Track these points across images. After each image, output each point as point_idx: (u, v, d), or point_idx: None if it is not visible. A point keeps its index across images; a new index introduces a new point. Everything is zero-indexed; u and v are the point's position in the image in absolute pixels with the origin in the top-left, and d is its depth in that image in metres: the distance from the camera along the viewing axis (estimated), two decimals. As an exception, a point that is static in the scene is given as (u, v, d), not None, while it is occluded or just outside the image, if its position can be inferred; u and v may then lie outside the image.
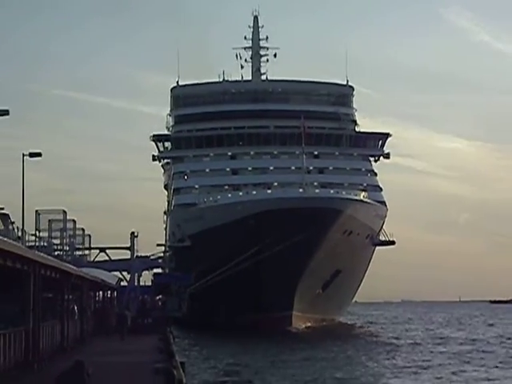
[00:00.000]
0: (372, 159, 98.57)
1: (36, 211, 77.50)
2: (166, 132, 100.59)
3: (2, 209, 73.36)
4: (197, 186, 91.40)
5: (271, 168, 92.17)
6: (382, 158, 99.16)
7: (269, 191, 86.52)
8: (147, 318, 56.55)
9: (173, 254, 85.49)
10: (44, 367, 27.50)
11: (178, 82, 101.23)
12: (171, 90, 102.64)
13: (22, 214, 51.61)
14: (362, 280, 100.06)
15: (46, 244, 77.77)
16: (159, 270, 79.31)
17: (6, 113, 41.81)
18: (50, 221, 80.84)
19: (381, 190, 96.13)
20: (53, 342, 33.79)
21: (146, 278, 73.65)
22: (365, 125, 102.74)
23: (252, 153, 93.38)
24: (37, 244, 75.14)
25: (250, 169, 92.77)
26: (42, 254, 28.90)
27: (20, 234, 66.85)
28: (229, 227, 76.80)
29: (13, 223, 73.99)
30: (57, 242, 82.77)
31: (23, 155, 47.64)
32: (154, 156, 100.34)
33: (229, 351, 57.27)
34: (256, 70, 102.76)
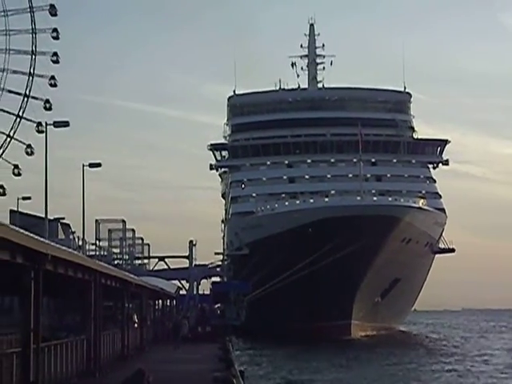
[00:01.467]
0: (430, 166, 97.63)
1: (96, 221, 78.53)
2: (223, 141, 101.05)
3: (63, 218, 74.68)
4: (254, 195, 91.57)
5: (328, 176, 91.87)
6: (440, 164, 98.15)
7: (326, 199, 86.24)
8: (206, 327, 56.70)
9: (231, 263, 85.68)
10: (105, 375, 27.75)
11: (234, 92, 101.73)
12: (228, 99, 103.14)
13: (82, 224, 52.40)
14: (421, 288, 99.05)
15: (105, 253, 78.76)
16: (217, 279, 79.55)
17: (66, 124, 42.65)
18: (109, 230, 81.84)
19: (440, 197, 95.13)
20: (113, 351, 34.08)
21: (205, 287, 73.91)
22: (422, 131, 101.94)
23: (309, 161, 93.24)
24: (97, 253, 76.15)
25: (307, 177, 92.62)
26: (102, 264, 29.20)
27: (81, 243, 67.87)
28: (286, 235, 76.73)
29: (73, 233, 75.24)
30: (116, 250, 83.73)
31: (83, 166, 48.41)
32: (211, 165, 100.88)
33: (288, 359, 57.16)
34: (312, 78, 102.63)
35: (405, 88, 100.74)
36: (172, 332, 49.00)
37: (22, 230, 15.26)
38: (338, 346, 67.04)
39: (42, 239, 17.22)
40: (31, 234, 15.91)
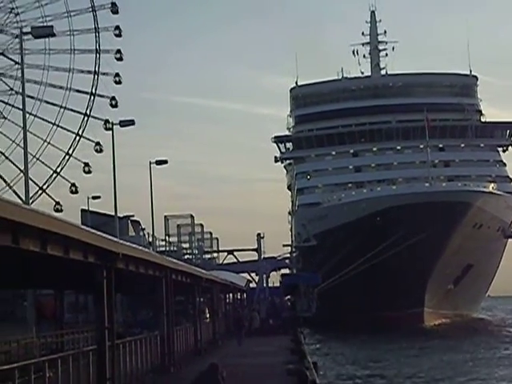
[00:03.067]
0: (500, 149, 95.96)
1: (165, 217, 79.42)
2: (286, 133, 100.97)
3: (133, 216, 75.64)
4: (320, 186, 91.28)
5: (395, 163, 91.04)
6: (510, 147, 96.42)
7: (394, 187, 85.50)
8: (277, 319, 56.79)
9: (299, 254, 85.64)
10: (179, 370, 27.98)
11: (296, 83, 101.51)
12: (290, 90, 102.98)
13: (151, 220, 52.98)
14: (494, 274, 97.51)
15: (175, 248, 79.55)
16: (287, 271, 79.60)
17: (132, 123, 43.08)
18: (178, 225, 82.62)
19: (511, 180, 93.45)
20: (187, 345, 34.37)
21: (274, 279, 74.06)
22: (490, 114, 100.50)
23: (375, 149, 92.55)
24: (167, 249, 76.98)
25: (373, 165, 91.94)
26: (172, 260, 29.44)
27: (151, 239, 68.68)
28: (354, 225, 76.33)
29: (143, 229, 76.20)
30: (186, 245, 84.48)
31: (150, 163, 48.92)
32: (276, 157, 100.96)
33: (360, 350, 56.90)
34: (375, 65, 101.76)
35: (470, 71, 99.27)
36: (234, 326, 48.80)
37: (93, 231, 15.46)
38: (411, 335, 66.34)
39: (113, 238, 17.44)
40: (103, 234, 16.11)
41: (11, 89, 71.66)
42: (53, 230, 12.83)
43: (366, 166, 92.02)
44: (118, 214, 45.91)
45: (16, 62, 69.61)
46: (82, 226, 15.06)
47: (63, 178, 71.54)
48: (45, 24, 70.15)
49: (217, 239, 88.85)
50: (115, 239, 17.90)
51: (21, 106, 32.94)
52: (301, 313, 60.12)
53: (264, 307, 61.35)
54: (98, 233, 15.86)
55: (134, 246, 20.37)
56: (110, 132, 42.25)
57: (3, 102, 72.15)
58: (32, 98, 68.64)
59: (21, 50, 32.71)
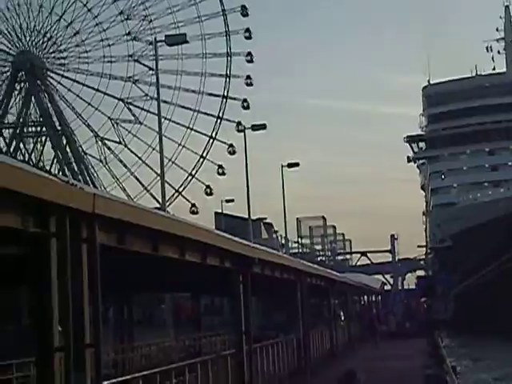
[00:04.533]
0: None
1: (297, 219, 79.78)
2: (419, 132, 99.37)
3: (266, 218, 76.31)
4: (455, 185, 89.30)
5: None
6: None
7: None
8: (413, 322, 55.91)
9: (435, 256, 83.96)
10: (316, 374, 27.89)
11: (429, 81, 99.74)
12: (422, 89, 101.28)
13: (284, 223, 53.17)
14: None
15: (308, 250, 79.70)
16: (422, 273, 78.30)
17: (263, 127, 43.38)
18: (310, 228, 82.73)
19: None
20: (322, 349, 34.26)
21: (410, 281, 72.94)
22: None
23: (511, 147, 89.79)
24: (299, 251, 77.24)
25: (510, 164, 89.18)
26: (307, 263, 29.41)
27: (283, 241, 69.03)
28: (491, 225, 74.12)
29: (276, 232, 76.74)
30: (318, 247, 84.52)
31: (282, 166, 49.10)
32: (408, 157, 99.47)
33: (499, 353, 55.19)
34: (510, 62, 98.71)
35: None
36: (370, 329, 48.22)
37: (229, 236, 15.59)
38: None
39: (249, 244, 17.53)
40: (239, 240, 16.22)
41: (146, 94, 73.60)
42: (191, 237, 13.00)
43: (503, 164, 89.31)
44: (251, 217, 46.26)
45: (150, 68, 71.43)
46: (219, 232, 15.22)
47: (198, 180, 72.85)
48: (177, 30, 71.83)
49: (349, 241, 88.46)
50: (251, 244, 18.00)
51: (156, 111, 33.68)
52: (437, 315, 59.00)
53: (399, 310, 60.51)
54: (234, 238, 15.99)
55: (270, 250, 20.45)
56: (243, 134, 42.64)
57: (139, 107, 74.20)
58: (166, 102, 70.25)
59: (155, 57, 33.44)
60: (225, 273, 17.23)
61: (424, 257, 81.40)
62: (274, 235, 75.79)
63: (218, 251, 15.13)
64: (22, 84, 74.33)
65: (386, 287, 70.86)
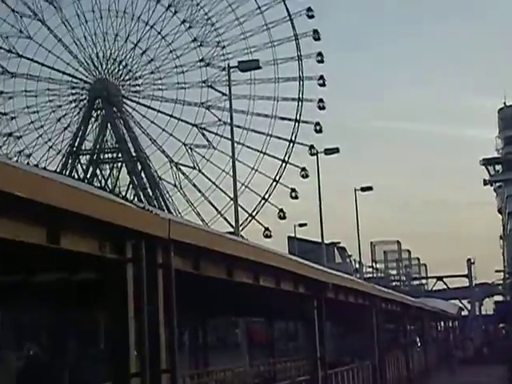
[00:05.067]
0: None
1: (371, 243, 78.99)
2: (495, 155, 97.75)
3: (339, 243, 75.85)
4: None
5: None
6: None
7: None
8: (491, 348, 54.72)
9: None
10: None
11: (504, 103, 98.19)
12: (498, 111, 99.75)
13: (358, 247, 52.73)
14: None
15: (382, 275, 78.88)
16: (500, 298, 76.63)
17: (336, 151, 43.24)
18: (385, 252, 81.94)
19: None
20: (398, 374, 33.78)
21: (488, 306, 71.47)
22: None
23: None
24: (374, 275, 76.48)
25: None
26: (381, 288, 29.11)
27: (357, 266, 68.50)
28: None
29: (350, 256, 76.23)
30: (393, 272, 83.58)
31: (355, 190, 48.83)
32: (484, 180, 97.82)
33: None
34: None
35: None
36: (447, 355, 47.27)
37: (303, 261, 15.55)
38: None
39: (322, 269, 17.46)
40: (312, 265, 16.17)
41: (219, 119, 74.24)
42: (265, 263, 13.01)
43: None
44: (325, 241, 46.06)
45: (223, 94, 72.07)
46: (292, 257, 15.19)
47: (271, 204, 72.95)
48: (250, 55, 72.45)
49: (425, 265, 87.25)
50: (325, 269, 17.93)
51: (229, 136, 33.99)
52: (516, 341, 57.60)
53: (477, 335, 59.32)
54: (308, 263, 15.94)
55: (343, 275, 20.32)
56: (315, 157, 42.55)
57: (212, 132, 74.85)
58: (239, 127, 70.71)
59: (228, 82, 33.72)
60: (299, 298, 17.17)
61: (502, 282, 79.63)
62: (348, 259, 75.28)
63: (291, 276, 15.10)
64: (99, 111, 75.85)
65: (463, 313, 69.55)
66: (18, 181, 6.79)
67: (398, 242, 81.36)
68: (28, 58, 76.13)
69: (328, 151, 43.29)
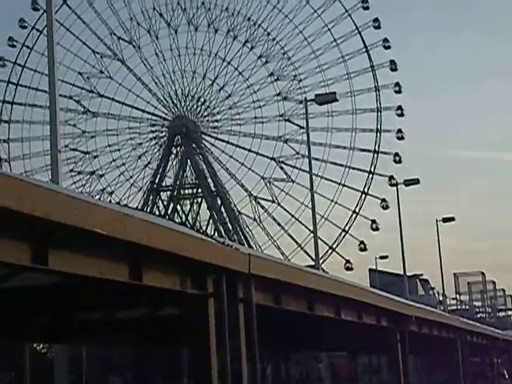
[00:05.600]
0: None
1: (454, 274, 77.51)
2: None
3: (421, 275, 74.70)
4: None
5: None
6: None
7: None
8: None
9: None
10: None
11: None
12: None
13: (441, 279, 51.85)
14: None
15: (467, 307, 77.26)
16: None
17: (416, 182, 42.80)
18: (469, 283, 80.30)
19: None
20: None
21: None
22: None
23: None
24: (458, 307, 74.99)
25: None
26: (465, 321, 28.54)
27: (441, 298, 67.30)
28: None
29: (433, 288, 74.98)
30: (478, 304, 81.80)
31: (437, 221, 48.20)
32: None
33: None
34: None
35: None
36: None
37: (385, 294, 15.39)
38: None
39: (405, 301, 17.25)
40: (394, 297, 15.99)
41: (297, 153, 74.24)
42: (346, 296, 12.92)
43: None
44: (407, 273, 45.42)
45: (301, 127, 72.10)
46: (374, 291, 15.05)
47: (352, 236, 72.37)
48: (326, 87, 72.47)
49: (510, 296, 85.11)
50: (407, 302, 17.70)
51: (307, 169, 33.94)
52: None
53: None
54: (390, 296, 15.77)
55: (427, 308, 20.01)
56: (395, 188, 42.16)
57: (291, 165, 74.87)
58: (317, 159, 70.49)
59: (306, 115, 33.79)
60: (381, 331, 16.97)
61: None
62: (431, 292, 74.02)
63: (374, 309, 14.95)
64: (178, 148, 76.84)
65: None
66: (101, 219, 6.93)
67: (482, 273, 79.72)
68: (109, 98, 77.70)
69: (408, 182, 42.86)
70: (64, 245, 6.91)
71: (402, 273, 44.54)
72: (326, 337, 20.34)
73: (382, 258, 60.55)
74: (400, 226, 41.88)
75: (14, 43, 72.22)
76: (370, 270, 67.91)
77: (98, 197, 69.90)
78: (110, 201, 64.35)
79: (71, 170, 75.07)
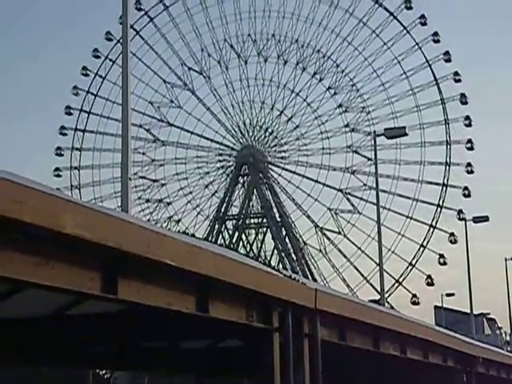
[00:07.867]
0: None
1: None
2: None
3: (489, 314, 73.33)
4: None
5: None
6: None
7: None
8: None
9: None
10: None
11: None
12: None
13: (509, 318, 50.82)
14: None
15: None
16: None
17: (485, 219, 42.14)
18: None
19: None
20: None
21: None
22: None
23: None
24: None
25: None
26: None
27: (508, 338, 65.98)
28: None
29: (500, 328, 73.54)
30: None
31: (506, 259, 47.38)
32: None
33: None
34: None
35: None
36: None
37: (452, 333, 15.12)
38: None
39: (472, 342, 16.92)
40: (461, 337, 15.70)
41: (365, 184, 73.87)
42: (412, 334, 12.73)
43: None
44: (473, 311, 44.61)
45: (369, 159, 71.83)
46: (440, 329, 14.81)
47: (418, 270, 71.50)
48: (395, 120, 72.15)
49: None
50: (475, 342, 17.35)
51: (375, 201, 33.70)
52: None
53: None
54: (457, 336, 15.49)
55: (494, 349, 19.58)
56: (463, 222, 41.54)
57: (357, 197, 74.52)
58: (385, 192, 70.01)
59: (374, 148, 33.65)
60: (447, 371, 16.65)
61: None
62: (498, 331, 72.54)
63: (440, 349, 14.70)
64: (245, 177, 77.21)
65: None
66: (171, 250, 6.97)
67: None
68: (178, 127, 78.64)
69: (477, 220, 42.23)
70: (133, 274, 6.97)
71: (468, 311, 43.81)
72: (390, 375, 20.03)
73: (448, 295, 59.62)
74: (468, 264, 41.26)
75: (88, 72, 73.71)
76: (436, 307, 66.90)
77: (165, 224, 70.53)
78: (179, 231, 64.90)
79: (139, 198, 76.07)
